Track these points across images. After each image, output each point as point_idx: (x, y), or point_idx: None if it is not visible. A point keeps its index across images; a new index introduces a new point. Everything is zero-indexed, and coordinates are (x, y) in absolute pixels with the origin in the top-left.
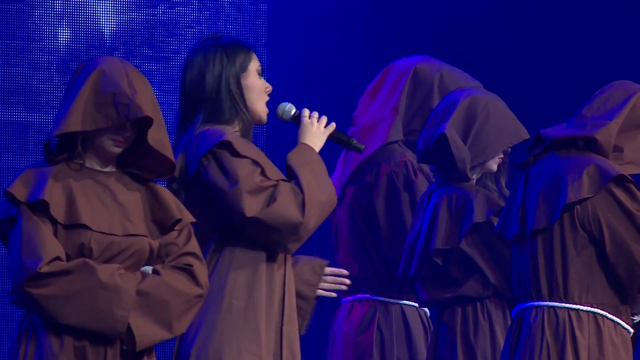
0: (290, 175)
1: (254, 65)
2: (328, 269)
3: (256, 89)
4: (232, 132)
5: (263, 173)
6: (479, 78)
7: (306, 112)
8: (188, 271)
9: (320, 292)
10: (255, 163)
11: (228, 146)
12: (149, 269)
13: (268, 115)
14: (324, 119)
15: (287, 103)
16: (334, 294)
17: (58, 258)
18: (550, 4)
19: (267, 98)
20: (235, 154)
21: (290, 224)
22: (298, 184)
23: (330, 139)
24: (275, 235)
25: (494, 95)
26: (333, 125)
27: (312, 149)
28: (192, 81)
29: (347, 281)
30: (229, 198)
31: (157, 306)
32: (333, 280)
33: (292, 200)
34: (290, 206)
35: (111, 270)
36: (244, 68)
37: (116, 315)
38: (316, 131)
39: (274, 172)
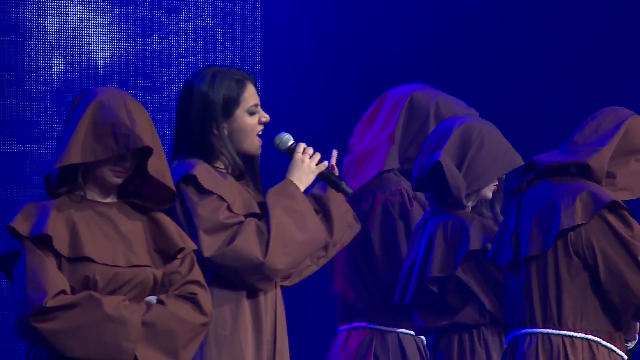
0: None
1: (245, 104)
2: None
3: (243, 130)
4: (202, 165)
5: (229, 209)
6: (473, 105)
7: (301, 147)
8: (192, 300)
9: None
10: (220, 199)
11: (192, 181)
12: (153, 298)
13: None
14: (317, 156)
15: (285, 133)
16: None
17: (63, 292)
18: (543, 30)
19: (258, 131)
20: (200, 189)
21: (250, 264)
22: (267, 222)
23: (320, 178)
24: (237, 274)
25: (488, 122)
26: (325, 164)
27: (296, 187)
28: (180, 118)
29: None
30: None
31: (163, 336)
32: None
33: (254, 239)
34: (250, 246)
35: (116, 302)
36: (229, 114)
37: (123, 347)
38: (306, 168)
39: (246, 206)
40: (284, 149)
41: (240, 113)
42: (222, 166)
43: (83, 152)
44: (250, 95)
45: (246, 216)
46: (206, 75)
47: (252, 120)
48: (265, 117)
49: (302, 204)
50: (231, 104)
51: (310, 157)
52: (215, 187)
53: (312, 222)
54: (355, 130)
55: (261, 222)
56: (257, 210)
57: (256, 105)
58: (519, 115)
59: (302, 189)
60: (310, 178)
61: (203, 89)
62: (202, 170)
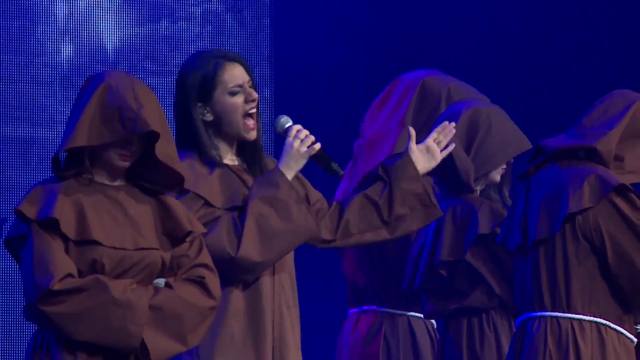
0: None
1: (225, 86)
2: None
3: (225, 112)
4: (185, 161)
5: (208, 204)
6: (482, 90)
7: (293, 130)
8: (200, 283)
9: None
10: (195, 197)
11: None
12: (161, 281)
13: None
14: (309, 140)
15: (282, 116)
16: None
17: (70, 275)
18: (550, 18)
19: (244, 110)
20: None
21: (222, 259)
22: (243, 215)
23: (312, 159)
24: (217, 269)
25: (495, 106)
26: (317, 146)
27: (281, 174)
28: (173, 107)
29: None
30: None
31: (171, 320)
32: None
33: (226, 234)
34: (222, 241)
35: (123, 286)
36: (208, 97)
37: (130, 331)
38: (295, 153)
39: (231, 199)
40: (280, 132)
41: (219, 95)
42: (214, 153)
43: (89, 135)
44: (230, 76)
45: (229, 209)
46: (190, 59)
47: (235, 100)
48: (252, 95)
49: (287, 192)
50: (208, 85)
51: (302, 141)
52: (192, 184)
53: (297, 210)
54: (366, 115)
55: (239, 215)
56: (241, 202)
57: (239, 86)
58: (528, 100)
59: (290, 175)
60: (300, 163)
61: (182, 73)
62: (185, 165)
